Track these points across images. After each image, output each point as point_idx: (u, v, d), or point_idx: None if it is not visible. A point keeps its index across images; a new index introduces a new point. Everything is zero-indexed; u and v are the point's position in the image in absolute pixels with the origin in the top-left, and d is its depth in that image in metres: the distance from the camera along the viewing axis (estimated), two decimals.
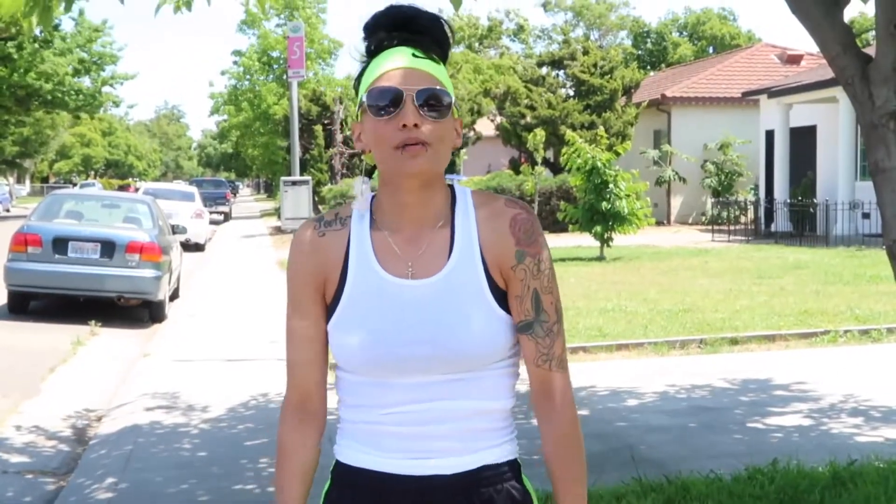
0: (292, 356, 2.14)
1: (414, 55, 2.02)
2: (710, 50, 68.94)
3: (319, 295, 2.09)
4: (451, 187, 2.12)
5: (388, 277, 2.03)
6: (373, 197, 2.13)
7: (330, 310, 2.08)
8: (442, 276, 2.02)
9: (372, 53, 2.08)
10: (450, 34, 2.09)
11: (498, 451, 2.06)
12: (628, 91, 34.82)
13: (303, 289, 2.10)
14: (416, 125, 1.98)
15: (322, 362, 2.15)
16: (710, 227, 28.91)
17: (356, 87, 2.13)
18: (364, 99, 2.04)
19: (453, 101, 2.04)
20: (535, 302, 2.04)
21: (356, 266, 2.05)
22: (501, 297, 2.04)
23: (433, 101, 2.00)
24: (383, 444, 2.04)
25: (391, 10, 2.06)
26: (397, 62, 2.02)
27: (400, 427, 2.02)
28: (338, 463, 2.12)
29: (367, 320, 2.02)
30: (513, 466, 2.08)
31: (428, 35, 2.06)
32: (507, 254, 2.04)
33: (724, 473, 5.82)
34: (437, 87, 2.01)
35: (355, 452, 2.08)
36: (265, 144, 53.90)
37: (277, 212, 39.07)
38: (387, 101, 2.00)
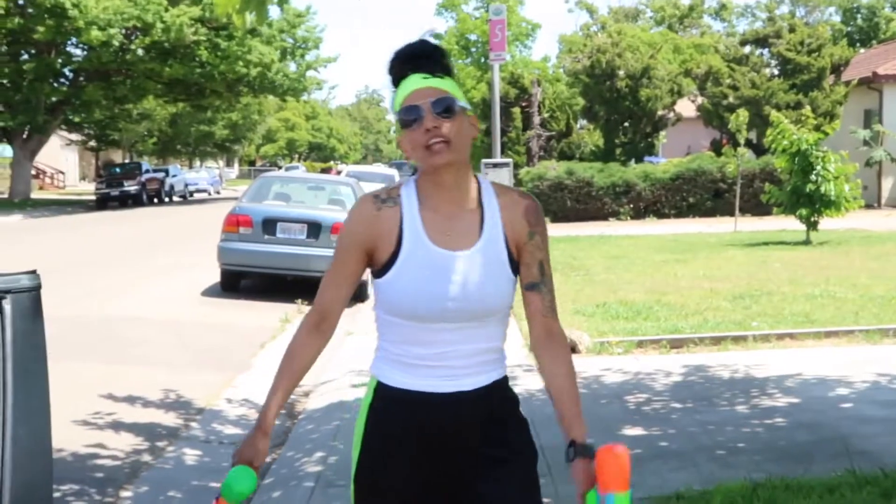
0: (327, 293, 2.79)
1: (423, 77, 2.67)
2: None
3: (365, 257, 2.73)
4: (477, 178, 2.78)
5: (435, 248, 2.67)
6: (415, 181, 2.75)
7: (382, 270, 2.70)
8: (476, 250, 2.69)
9: (396, 83, 2.72)
10: (447, 58, 2.75)
11: (499, 371, 2.79)
12: (837, 69, 33.57)
13: (354, 250, 2.73)
14: (435, 127, 2.62)
15: (345, 301, 2.81)
16: None
17: (393, 110, 2.78)
18: (397, 118, 2.70)
19: (460, 103, 2.67)
20: (540, 268, 2.77)
21: (410, 238, 2.67)
22: (514, 265, 2.75)
23: (444, 106, 2.64)
24: (420, 371, 2.70)
25: (403, 49, 2.73)
26: (413, 85, 2.67)
27: (435, 361, 2.69)
28: (380, 384, 2.76)
29: (419, 281, 2.65)
30: (506, 379, 2.82)
31: (430, 59, 2.70)
32: (522, 233, 2.75)
33: None
34: (445, 95, 2.65)
35: (399, 375, 2.73)
36: None
37: None
38: (411, 116, 2.65)
